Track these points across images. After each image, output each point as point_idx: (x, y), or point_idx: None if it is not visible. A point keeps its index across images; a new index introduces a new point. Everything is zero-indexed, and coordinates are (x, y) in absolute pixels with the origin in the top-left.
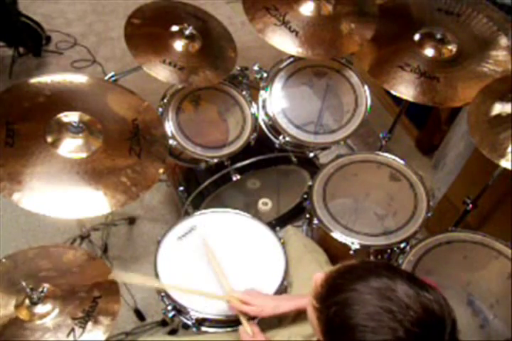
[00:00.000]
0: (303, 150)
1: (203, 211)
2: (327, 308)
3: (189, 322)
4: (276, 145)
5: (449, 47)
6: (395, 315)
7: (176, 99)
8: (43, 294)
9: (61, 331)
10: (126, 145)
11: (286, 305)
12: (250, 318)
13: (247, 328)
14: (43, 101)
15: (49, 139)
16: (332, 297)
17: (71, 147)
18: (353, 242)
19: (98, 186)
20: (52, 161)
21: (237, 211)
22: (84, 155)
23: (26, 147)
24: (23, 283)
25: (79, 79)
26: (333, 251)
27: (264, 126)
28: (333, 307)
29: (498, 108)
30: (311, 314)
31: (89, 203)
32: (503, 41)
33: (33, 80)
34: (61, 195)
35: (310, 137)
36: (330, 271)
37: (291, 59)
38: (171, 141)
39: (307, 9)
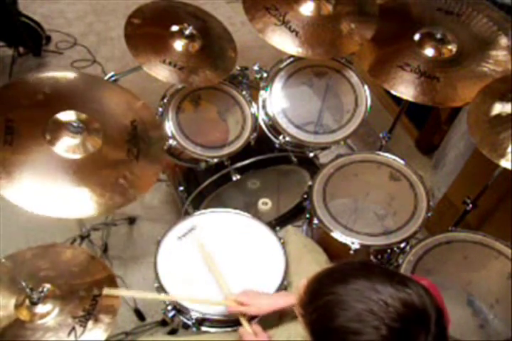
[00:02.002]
0: (303, 150)
1: (203, 211)
2: (310, 314)
3: (189, 322)
4: (276, 145)
5: (449, 47)
6: (375, 314)
7: (176, 99)
8: (42, 294)
9: (62, 330)
10: (125, 147)
11: (282, 300)
12: (251, 318)
13: (247, 328)
14: (43, 99)
15: (48, 138)
16: (313, 302)
17: (70, 147)
18: (353, 242)
19: (96, 187)
20: (50, 161)
21: (237, 211)
22: (82, 155)
23: (25, 146)
24: (23, 284)
25: (79, 78)
26: (333, 250)
27: (264, 126)
28: (314, 312)
29: (498, 108)
30: (301, 321)
31: (87, 204)
32: (503, 41)
33: (33, 77)
34: (59, 195)
35: (310, 137)
36: (311, 277)
37: (291, 59)
38: (171, 141)
39: (307, 9)
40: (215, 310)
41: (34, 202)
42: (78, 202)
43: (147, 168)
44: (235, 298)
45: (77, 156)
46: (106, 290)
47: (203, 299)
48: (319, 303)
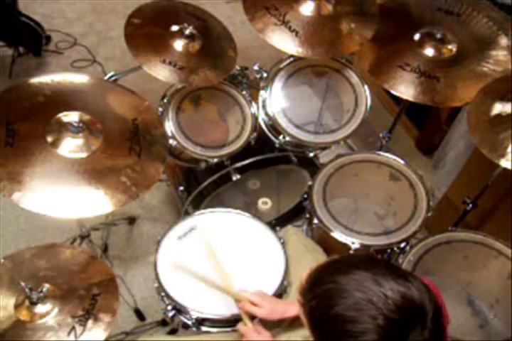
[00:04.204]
0: (303, 150)
1: (203, 211)
2: (309, 301)
3: (189, 322)
4: (276, 145)
5: (449, 47)
6: (374, 304)
7: (176, 99)
8: (42, 294)
9: (62, 330)
10: (126, 145)
11: (293, 310)
12: (252, 318)
13: (249, 325)
14: (43, 101)
15: (49, 139)
16: (313, 289)
17: (71, 147)
18: (353, 242)
19: (98, 186)
20: (52, 161)
21: (237, 211)
22: (84, 154)
23: (26, 147)
24: (23, 284)
25: (79, 79)
26: (333, 250)
27: (264, 126)
28: (314, 300)
29: (498, 108)
30: (300, 310)
31: (90, 203)
32: (503, 41)
33: (33, 80)
34: (61, 195)
35: (310, 137)
36: (314, 266)
37: (291, 59)
38: (171, 141)
39: (307, 9)
40: (215, 310)
41: (37, 202)
42: (81, 202)
43: (149, 165)
44: (249, 297)
45: (79, 156)
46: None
47: (219, 285)
48: (319, 291)
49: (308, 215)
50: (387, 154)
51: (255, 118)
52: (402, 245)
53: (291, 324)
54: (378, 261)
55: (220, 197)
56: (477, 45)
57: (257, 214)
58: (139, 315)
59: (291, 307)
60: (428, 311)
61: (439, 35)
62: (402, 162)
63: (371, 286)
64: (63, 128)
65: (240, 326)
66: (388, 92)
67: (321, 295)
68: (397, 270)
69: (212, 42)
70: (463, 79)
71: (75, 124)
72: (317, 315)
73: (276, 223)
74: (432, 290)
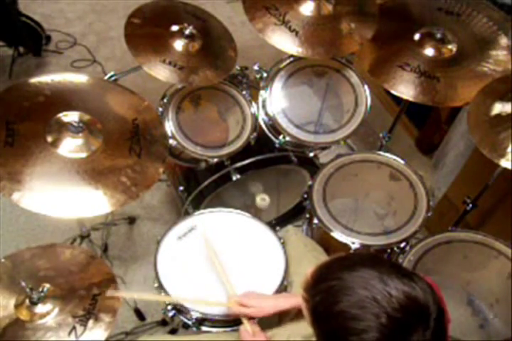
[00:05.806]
0: (303, 149)
1: (203, 211)
2: (313, 297)
3: (189, 322)
4: (276, 145)
5: (449, 46)
6: (378, 302)
7: (175, 99)
8: (42, 294)
9: (63, 330)
10: (126, 145)
11: (285, 302)
12: (251, 318)
13: (247, 327)
14: (43, 101)
15: (49, 139)
16: (318, 286)
17: (71, 147)
18: (353, 242)
19: (98, 186)
20: (52, 161)
21: (237, 211)
22: (84, 155)
23: (26, 147)
24: (23, 283)
25: (79, 79)
26: (333, 250)
27: (264, 126)
28: (318, 296)
29: (498, 108)
30: (303, 306)
31: (89, 203)
32: (503, 41)
33: (33, 80)
34: (61, 195)
35: (310, 137)
36: (320, 263)
37: (291, 58)
38: (171, 141)
39: (307, 9)
40: (215, 310)
41: (37, 202)
42: (81, 202)
43: (149, 165)
44: (237, 300)
45: (79, 156)
46: (109, 292)
47: (206, 300)
48: (324, 287)
49: (308, 215)
50: (387, 154)
51: (255, 118)
52: (402, 245)
53: (291, 323)
54: (383, 259)
55: (220, 197)
56: (477, 45)
57: (257, 213)
58: (139, 315)
59: (282, 300)
60: (432, 312)
61: (439, 35)
62: (402, 162)
63: (376, 284)
64: (63, 128)
65: (241, 326)
66: (388, 92)
67: (325, 291)
68: (402, 269)
69: (212, 42)
70: (463, 79)
71: (75, 124)
72: (320, 311)
73: (276, 223)
74: (436, 292)
